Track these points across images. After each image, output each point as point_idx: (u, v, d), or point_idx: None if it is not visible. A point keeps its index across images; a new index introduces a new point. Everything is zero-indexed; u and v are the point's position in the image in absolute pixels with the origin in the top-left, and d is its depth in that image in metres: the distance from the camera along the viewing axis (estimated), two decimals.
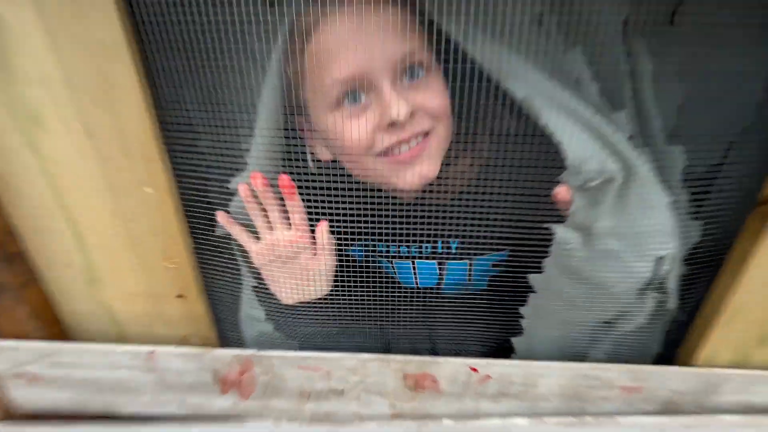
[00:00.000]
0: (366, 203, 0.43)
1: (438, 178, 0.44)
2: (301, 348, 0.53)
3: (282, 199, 0.44)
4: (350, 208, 0.43)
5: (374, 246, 0.50)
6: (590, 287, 0.45)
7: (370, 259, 0.51)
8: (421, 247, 0.50)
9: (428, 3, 0.36)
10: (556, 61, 0.40)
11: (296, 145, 0.44)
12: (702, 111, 0.42)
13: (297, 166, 0.43)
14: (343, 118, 0.40)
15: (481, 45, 0.37)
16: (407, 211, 0.46)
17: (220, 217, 0.46)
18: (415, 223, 0.47)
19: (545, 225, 0.42)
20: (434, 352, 0.55)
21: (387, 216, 0.44)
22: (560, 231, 0.42)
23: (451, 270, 0.51)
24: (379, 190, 0.43)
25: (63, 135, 0.41)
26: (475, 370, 0.49)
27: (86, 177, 0.43)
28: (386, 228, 0.45)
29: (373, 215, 0.45)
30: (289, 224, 0.45)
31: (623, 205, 0.41)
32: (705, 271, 0.49)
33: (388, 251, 0.51)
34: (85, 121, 0.40)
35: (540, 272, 0.45)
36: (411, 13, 0.38)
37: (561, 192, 0.39)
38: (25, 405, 0.53)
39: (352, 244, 0.47)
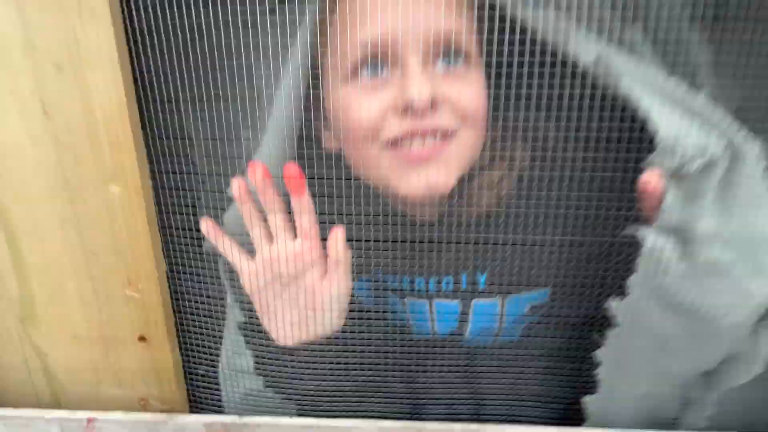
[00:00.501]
0: (374, 222, 0.34)
1: (461, 193, 0.36)
2: (300, 414, 0.39)
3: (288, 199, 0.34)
4: (350, 226, 0.34)
5: (383, 279, 0.40)
6: (692, 321, 0.34)
7: (378, 297, 0.40)
8: (440, 281, 0.40)
9: None
10: (619, 35, 0.34)
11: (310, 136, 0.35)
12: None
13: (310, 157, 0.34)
14: (355, 93, 0.33)
15: (538, 13, 0.31)
16: (424, 233, 0.36)
17: (206, 225, 0.36)
18: (434, 250, 0.37)
19: (627, 229, 0.33)
20: (478, 416, 0.41)
21: (399, 240, 0.35)
22: (649, 236, 0.32)
23: (477, 312, 0.41)
24: (391, 208, 0.34)
25: (14, 113, 0.32)
26: None
27: (36, 171, 0.34)
28: (398, 254, 0.36)
29: (383, 238, 0.35)
30: (295, 232, 0.35)
31: (730, 201, 0.32)
32: None
33: (400, 285, 0.40)
34: (43, 96, 0.32)
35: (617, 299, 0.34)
36: None
37: (651, 180, 0.30)
38: None
39: (356, 278, 0.37)
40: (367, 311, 0.38)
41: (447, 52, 0.33)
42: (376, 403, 0.39)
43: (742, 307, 0.33)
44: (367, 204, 0.34)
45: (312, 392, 0.39)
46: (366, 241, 0.35)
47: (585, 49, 0.32)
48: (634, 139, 0.32)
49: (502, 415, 0.42)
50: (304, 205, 0.34)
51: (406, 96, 0.31)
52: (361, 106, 0.32)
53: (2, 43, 0.31)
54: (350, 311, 0.37)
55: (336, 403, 0.39)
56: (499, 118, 0.35)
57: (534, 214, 0.36)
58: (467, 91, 0.33)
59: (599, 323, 0.37)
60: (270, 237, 0.35)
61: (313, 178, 0.35)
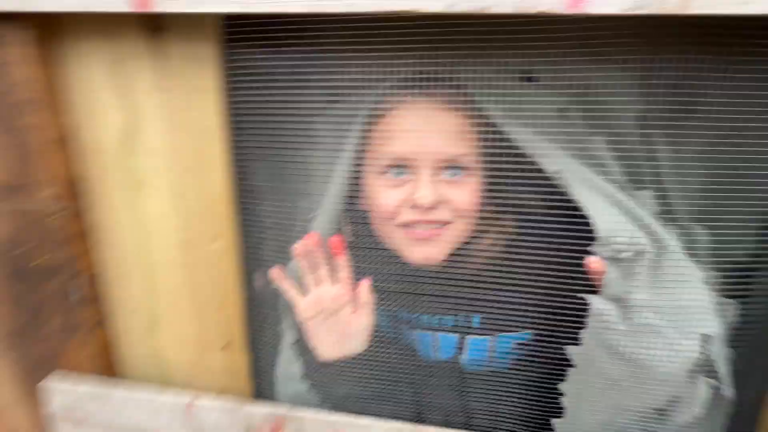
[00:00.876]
0: (389, 272, 0.47)
1: (460, 251, 0.48)
2: (332, 410, 0.53)
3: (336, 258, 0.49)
4: (376, 270, 0.47)
5: (395, 313, 0.52)
6: (635, 367, 0.44)
7: (392, 326, 0.53)
8: (441, 319, 0.52)
9: (480, 100, 0.44)
10: (582, 145, 0.45)
11: (356, 209, 0.50)
12: (728, 194, 0.45)
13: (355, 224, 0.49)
14: (382, 185, 0.46)
15: (519, 131, 0.43)
16: (431, 280, 0.49)
17: (274, 273, 0.51)
18: (437, 295, 0.50)
19: (579, 295, 0.43)
20: (468, 427, 0.53)
21: (411, 282, 0.48)
22: (596, 301, 0.43)
23: (472, 346, 0.52)
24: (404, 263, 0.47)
25: (159, 196, 0.49)
26: None
27: (169, 232, 0.50)
28: (409, 293, 0.49)
29: (397, 280, 0.49)
30: (336, 281, 0.49)
31: (658, 279, 0.42)
32: (763, 356, 0.46)
33: (410, 319, 0.53)
34: (177, 185, 0.48)
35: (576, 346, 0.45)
36: (470, 120, 0.46)
37: (593, 262, 0.41)
38: None
39: (377, 310, 0.50)
40: (384, 338, 0.51)
41: (451, 166, 0.46)
42: (389, 407, 0.53)
43: (673, 359, 0.42)
44: (390, 263, 0.48)
45: (342, 395, 0.53)
46: (387, 279, 0.48)
47: (550, 161, 0.43)
48: (585, 230, 0.43)
49: (488, 427, 0.53)
50: (342, 263, 0.49)
51: (416, 197, 0.45)
52: (385, 197, 0.46)
53: (156, 153, 0.47)
54: (373, 338, 0.51)
55: (359, 405, 0.53)
56: (489, 205, 0.48)
57: (516, 274, 0.48)
58: (462, 195, 0.46)
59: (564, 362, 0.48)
60: (318, 283, 0.50)
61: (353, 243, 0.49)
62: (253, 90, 0.45)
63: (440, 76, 0.44)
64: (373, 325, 0.50)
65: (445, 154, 0.45)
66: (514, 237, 0.49)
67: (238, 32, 0.44)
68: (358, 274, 0.50)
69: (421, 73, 0.44)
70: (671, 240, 0.41)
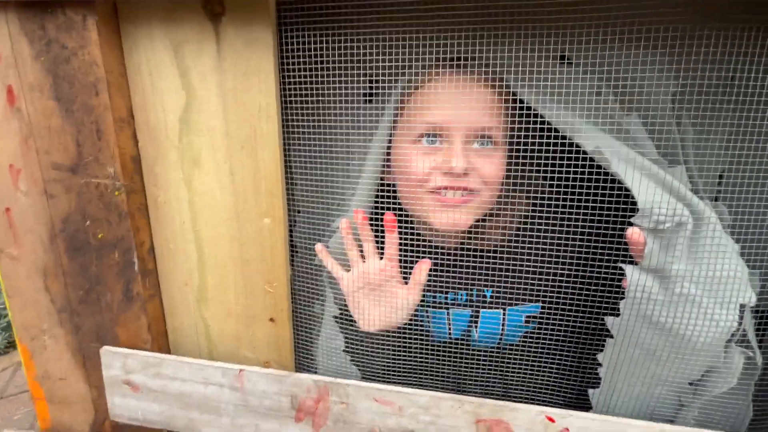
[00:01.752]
0: (407, 249, 0.49)
1: (478, 229, 0.50)
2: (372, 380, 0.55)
3: (377, 233, 0.51)
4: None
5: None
6: (672, 337, 0.45)
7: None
8: (456, 294, 0.54)
9: (515, 82, 0.45)
10: (618, 124, 0.46)
11: (389, 190, 0.52)
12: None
13: (389, 207, 0.51)
14: (417, 151, 0.49)
15: (555, 111, 0.45)
16: (446, 259, 0.51)
17: (318, 248, 0.54)
18: (453, 270, 0.52)
19: (617, 266, 0.45)
20: (507, 395, 0.55)
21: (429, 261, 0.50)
22: (633, 273, 0.44)
23: (484, 319, 0.54)
24: (424, 239, 0.48)
25: (213, 173, 0.52)
26: (552, 420, 0.48)
27: (221, 208, 0.53)
28: (430, 277, 0.50)
29: (414, 261, 0.50)
30: (381, 255, 0.51)
31: (696, 250, 0.43)
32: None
33: (424, 299, 0.55)
34: (231, 163, 0.51)
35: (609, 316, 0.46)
36: (502, 97, 0.48)
37: (633, 234, 0.43)
38: (121, 414, 0.58)
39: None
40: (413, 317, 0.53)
41: (481, 137, 0.48)
42: (427, 379, 0.54)
43: (710, 329, 0.43)
44: (407, 238, 0.50)
45: (382, 367, 0.55)
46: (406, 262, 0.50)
47: (587, 139, 0.45)
48: (627, 203, 0.44)
49: (525, 398, 0.55)
50: (392, 239, 0.51)
51: (450, 164, 0.47)
52: (418, 163, 0.48)
53: (211, 132, 0.50)
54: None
55: (399, 375, 0.55)
56: (510, 180, 0.50)
57: (529, 250, 0.49)
58: (490, 165, 0.48)
59: (597, 332, 0.49)
60: (362, 257, 0.52)
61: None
62: (304, 72, 0.48)
63: (479, 58, 0.45)
64: (416, 304, 0.52)
65: (477, 125, 0.47)
66: (530, 213, 0.51)
67: (293, 17, 0.47)
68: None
69: (459, 53, 0.45)
70: (708, 212, 0.42)
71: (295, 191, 0.54)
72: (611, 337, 0.47)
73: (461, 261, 0.52)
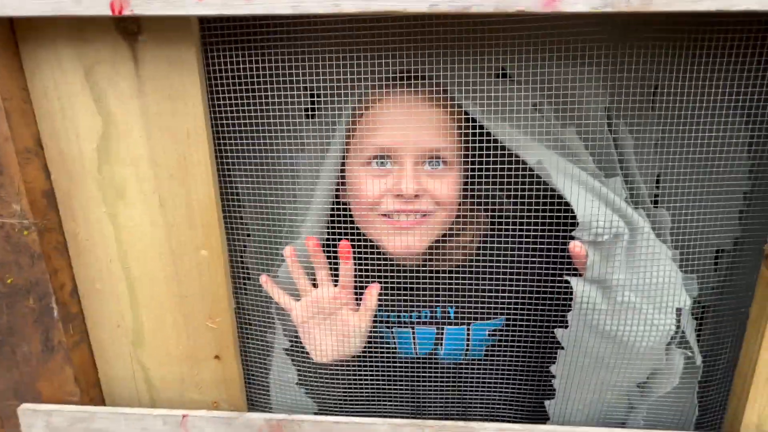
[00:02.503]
0: (369, 270, 0.48)
1: (437, 250, 0.49)
2: (330, 414, 0.52)
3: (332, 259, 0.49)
4: (356, 273, 0.48)
5: (376, 313, 0.53)
6: (617, 344, 0.46)
7: (372, 328, 0.53)
8: (420, 312, 0.53)
9: (461, 97, 0.45)
10: (556, 137, 0.47)
11: (342, 214, 0.50)
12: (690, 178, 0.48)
13: (341, 233, 0.49)
14: (366, 175, 0.47)
15: (499, 125, 0.45)
16: (409, 278, 0.50)
17: (263, 280, 0.50)
18: (416, 289, 0.51)
19: (558, 279, 0.45)
20: (466, 417, 0.54)
21: (390, 282, 0.49)
22: (578, 284, 0.45)
23: (449, 336, 0.54)
24: (385, 258, 0.48)
25: (140, 205, 0.48)
26: None
27: (152, 242, 0.49)
28: (388, 294, 0.49)
29: (376, 281, 0.49)
30: (335, 282, 0.49)
31: (633, 259, 0.44)
32: (727, 328, 0.50)
33: (389, 318, 0.54)
34: (160, 193, 0.47)
35: (556, 329, 0.47)
36: (450, 116, 0.47)
37: (575, 247, 0.43)
38: None
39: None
40: (373, 338, 0.52)
41: (432, 158, 0.47)
42: (387, 406, 0.53)
43: (651, 334, 0.45)
44: (368, 258, 0.48)
45: (339, 398, 0.52)
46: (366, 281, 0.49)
47: (529, 153, 0.45)
48: (568, 217, 0.45)
49: (484, 415, 0.54)
50: (347, 266, 0.49)
51: (399, 187, 0.46)
52: (368, 186, 0.47)
53: (135, 161, 0.46)
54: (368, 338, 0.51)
55: (358, 405, 0.53)
56: (467, 200, 0.49)
57: (490, 268, 0.49)
58: (443, 186, 0.47)
59: (552, 345, 0.49)
60: (312, 286, 0.50)
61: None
62: (236, 93, 0.45)
63: (422, 74, 0.45)
64: (369, 331, 0.50)
65: (427, 146, 0.46)
66: (490, 231, 0.51)
67: (218, 35, 0.43)
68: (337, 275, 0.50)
69: (402, 71, 0.45)
70: (642, 222, 0.44)
71: (244, 215, 0.51)
72: (562, 348, 0.48)
73: (423, 281, 0.51)
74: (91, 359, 0.53)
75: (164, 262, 0.49)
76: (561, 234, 0.45)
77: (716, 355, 0.50)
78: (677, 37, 0.43)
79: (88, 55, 0.43)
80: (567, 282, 0.45)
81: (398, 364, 0.52)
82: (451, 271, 0.51)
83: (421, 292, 0.51)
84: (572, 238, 0.44)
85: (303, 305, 0.49)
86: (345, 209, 0.50)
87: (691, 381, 0.49)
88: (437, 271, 0.52)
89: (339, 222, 0.49)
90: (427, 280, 0.50)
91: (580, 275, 0.45)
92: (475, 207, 0.53)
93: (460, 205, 0.50)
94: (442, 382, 0.54)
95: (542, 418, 0.53)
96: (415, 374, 0.53)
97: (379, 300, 0.49)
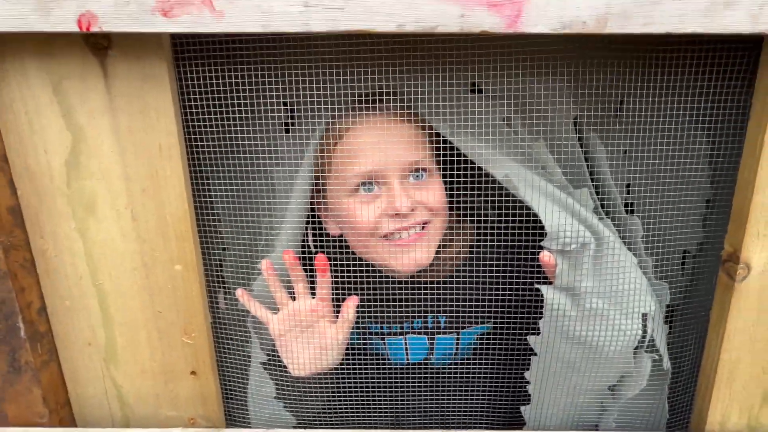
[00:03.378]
0: (360, 283, 0.48)
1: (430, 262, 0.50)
2: (310, 427, 0.52)
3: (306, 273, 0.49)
4: (345, 287, 0.48)
5: (368, 326, 0.54)
6: (587, 349, 0.48)
7: (363, 339, 0.54)
8: (412, 322, 0.54)
9: (429, 114, 0.46)
10: (525, 151, 0.49)
11: (318, 227, 0.50)
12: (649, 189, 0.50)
13: (316, 245, 0.49)
14: (357, 203, 0.48)
15: (468, 141, 0.46)
16: (401, 289, 0.51)
17: (239, 293, 0.50)
18: (408, 300, 0.52)
19: (534, 287, 0.47)
20: (444, 424, 0.55)
21: (381, 295, 0.50)
22: (548, 292, 0.46)
23: (440, 344, 0.55)
24: (375, 270, 0.49)
25: (112, 220, 0.47)
26: None
27: (125, 257, 0.48)
28: (380, 307, 0.50)
29: (368, 295, 0.50)
30: (312, 295, 0.49)
31: (600, 267, 0.46)
32: (692, 330, 0.52)
33: (381, 330, 0.55)
34: (132, 208, 0.47)
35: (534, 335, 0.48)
36: (421, 129, 0.49)
37: (545, 256, 0.45)
38: None
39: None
40: (355, 350, 0.52)
41: (416, 171, 0.48)
42: (366, 417, 0.53)
43: (618, 339, 0.47)
44: (357, 273, 0.49)
45: (318, 410, 0.52)
46: (359, 294, 0.49)
47: (497, 167, 0.47)
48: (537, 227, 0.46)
49: (462, 423, 0.55)
50: (324, 279, 0.49)
51: (394, 206, 0.46)
52: (363, 213, 0.47)
53: (106, 175, 0.46)
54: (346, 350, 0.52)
55: (337, 417, 0.53)
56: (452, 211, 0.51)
57: (477, 278, 0.51)
58: (432, 194, 0.49)
59: (528, 352, 0.51)
60: (290, 298, 0.50)
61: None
62: (209, 109, 0.45)
63: (392, 90, 0.46)
64: (346, 343, 0.51)
65: (408, 161, 0.47)
66: (476, 242, 0.52)
67: (190, 51, 0.44)
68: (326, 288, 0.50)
69: (373, 88, 0.46)
70: (607, 231, 0.45)
71: (222, 229, 0.51)
72: (536, 354, 0.49)
73: (415, 292, 0.52)
74: (60, 378, 0.52)
75: (137, 277, 0.49)
76: (532, 244, 0.47)
77: (682, 357, 0.52)
78: (637, 55, 0.45)
79: (56, 70, 0.43)
80: (538, 290, 0.46)
81: (389, 372, 0.52)
82: (441, 281, 0.52)
83: (412, 303, 0.52)
84: (541, 248, 0.45)
85: (280, 318, 0.49)
86: (320, 223, 0.50)
87: (660, 384, 0.51)
88: (428, 282, 0.52)
89: (315, 235, 0.49)
90: (419, 291, 0.51)
91: (551, 283, 0.47)
92: (461, 218, 0.54)
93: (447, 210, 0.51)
94: (429, 386, 0.55)
95: (519, 424, 0.54)
96: (406, 380, 0.53)
97: (371, 312, 0.50)
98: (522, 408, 0.53)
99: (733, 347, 0.47)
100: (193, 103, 0.45)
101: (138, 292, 0.49)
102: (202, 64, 0.44)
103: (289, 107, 0.50)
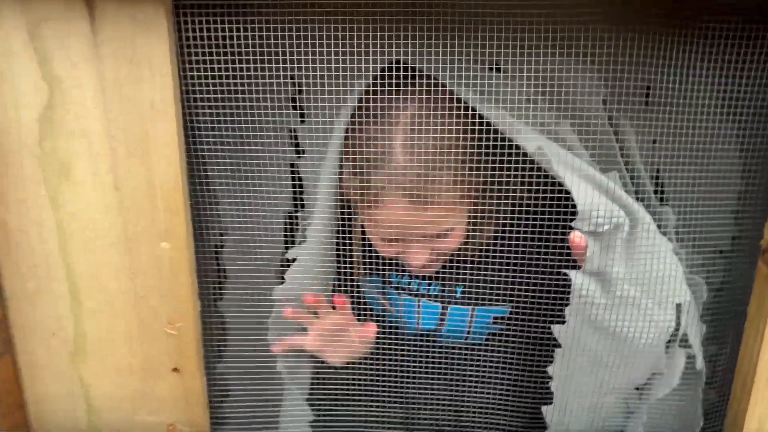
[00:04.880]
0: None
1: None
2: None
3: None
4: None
5: (389, 276, 0.53)
6: (616, 341, 0.44)
7: (383, 293, 0.53)
8: (430, 284, 0.53)
9: (457, 85, 0.42)
10: (551, 130, 0.46)
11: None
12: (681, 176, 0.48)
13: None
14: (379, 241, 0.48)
15: (497, 112, 0.42)
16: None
17: (276, 348, 0.49)
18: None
19: (561, 271, 0.43)
20: (459, 426, 0.50)
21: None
22: (577, 277, 0.42)
23: (452, 315, 0.53)
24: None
25: (90, 187, 0.41)
26: None
27: (103, 231, 0.42)
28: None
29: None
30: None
31: (633, 251, 0.43)
32: (727, 328, 0.49)
33: (400, 281, 0.53)
34: (115, 174, 0.41)
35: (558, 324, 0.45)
36: (458, 185, 0.45)
37: (576, 237, 0.41)
38: None
39: (372, 274, 0.51)
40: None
41: (437, 235, 0.46)
42: (377, 407, 0.50)
43: (651, 330, 0.43)
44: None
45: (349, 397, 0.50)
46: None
47: (528, 140, 0.43)
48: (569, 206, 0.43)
49: (478, 425, 0.50)
50: (346, 309, 0.49)
51: (408, 261, 0.47)
52: (380, 247, 0.48)
53: (86, 134, 0.40)
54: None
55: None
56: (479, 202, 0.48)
57: (500, 255, 0.47)
58: (450, 243, 0.47)
59: (551, 344, 0.47)
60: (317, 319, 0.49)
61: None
62: (212, 65, 0.40)
63: (416, 65, 0.42)
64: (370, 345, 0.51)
65: (435, 231, 0.46)
66: (504, 225, 0.49)
67: None
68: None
69: (395, 62, 0.42)
70: (644, 214, 0.42)
71: (220, 210, 0.46)
72: (560, 347, 0.45)
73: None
74: (14, 375, 0.44)
75: (117, 255, 0.42)
76: (561, 225, 0.43)
77: (715, 358, 0.49)
78: (670, 30, 0.43)
79: (34, 9, 0.37)
80: (566, 275, 0.43)
81: (402, 338, 0.51)
82: (461, 258, 0.50)
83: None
84: (571, 228, 0.42)
85: (313, 338, 0.49)
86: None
87: (694, 388, 0.48)
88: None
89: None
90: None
91: (580, 267, 0.43)
92: (491, 204, 0.50)
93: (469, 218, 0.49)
94: (441, 370, 0.53)
95: (540, 428, 0.49)
96: (416, 352, 0.52)
97: (387, 264, 0.50)
98: (543, 408, 0.48)
99: None
100: (194, 58, 0.40)
101: (116, 272, 0.43)
102: (206, 14, 0.39)
103: (298, 82, 0.45)
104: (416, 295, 0.53)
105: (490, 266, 0.47)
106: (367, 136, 0.43)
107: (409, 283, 0.53)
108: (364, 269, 0.50)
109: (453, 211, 0.45)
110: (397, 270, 0.52)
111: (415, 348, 0.52)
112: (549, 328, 0.45)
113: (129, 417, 0.46)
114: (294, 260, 0.47)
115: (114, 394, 0.46)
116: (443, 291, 0.53)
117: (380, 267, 0.50)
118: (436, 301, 0.53)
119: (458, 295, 0.52)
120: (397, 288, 0.54)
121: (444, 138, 0.43)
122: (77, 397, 0.45)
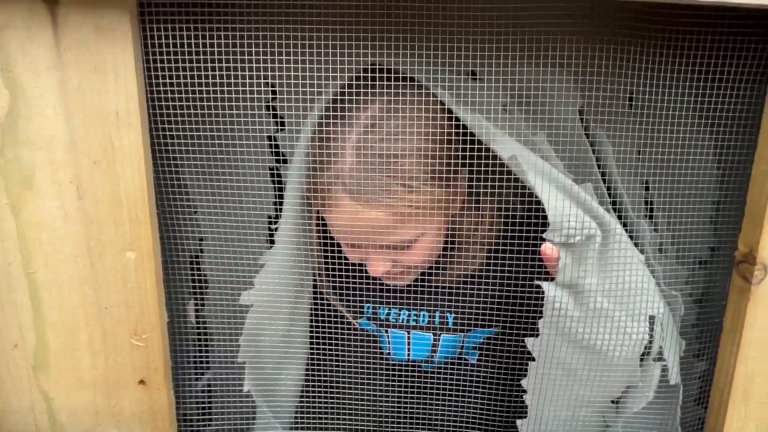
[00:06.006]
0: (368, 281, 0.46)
1: (438, 267, 0.48)
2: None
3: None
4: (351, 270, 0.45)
5: (375, 311, 0.51)
6: (590, 354, 0.43)
7: (371, 328, 0.51)
8: (419, 316, 0.51)
9: (433, 88, 0.42)
10: (527, 141, 0.45)
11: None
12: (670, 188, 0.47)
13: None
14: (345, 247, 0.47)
15: (473, 117, 0.42)
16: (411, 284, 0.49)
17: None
18: (417, 293, 0.50)
19: (535, 284, 0.43)
20: None
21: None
22: (550, 288, 0.42)
23: (444, 343, 0.52)
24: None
25: (52, 197, 0.40)
26: None
27: (65, 242, 0.41)
28: (389, 291, 0.48)
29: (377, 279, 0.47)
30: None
31: (605, 262, 0.42)
32: (703, 341, 0.48)
33: (388, 317, 0.51)
34: (78, 184, 0.40)
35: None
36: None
37: (547, 249, 0.41)
38: None
39: (361, 310, 0.49)
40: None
41: (395, 246, 0.45)
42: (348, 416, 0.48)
43: (624, 343, 0.42)
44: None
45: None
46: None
47: (503, 146, 0.43)
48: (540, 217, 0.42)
49: None
50: None
51: (369, 268, 0.45)
52: (345, 252, 0.46)
53: (48, 143, 0.39)
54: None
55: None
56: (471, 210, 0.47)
57: (487, 280, 0.47)
58: (414, 255, 0.45)
59: (526, 356, 0.46)
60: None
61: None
62: (178, 72, 0.40)
63: (392, 67, 0.42)
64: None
65: (394, 240, 0.44)
66: (496, 245, 0.49)
67: (159, 5, 0.38)
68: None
69: (372, 63, 0.41)
70: (616, 226, 0.42)
71: (198, 218, 0.45)
72: (533, 360, 0.44)
73: (425, 288, 0.50)
74: None
75: (80, 265, 0.41)
76: (533, 236, 0.42)
77: (692, 371, 0.48)
78: (647, 41, 0.43)
79: None
80: (539, 287, 0.42)
81: (387, 368, 0.50)
82: (455, 283, 0.50)
83: (420, 295, 0.50)
84: (542, 240, 0.41)
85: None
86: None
87: (670, 400, 0.47)
88: (439, 284, 0.50)
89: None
90: (429, 288, 0.49)
91: (553, 279, 0.42)
92: (479, 219, 0.49)
93: (448, 230, 0.47)
94: (416, 386, 0.52)
95: None
96: (404, 379, 0.51)
97: (375, 296, 0.49)
98: (518, 422, 0.47)
99: (750, 358, 0.43)
100: (160, 65, 0.39)
101: (79, 284, 0.42)
102: (172, 21, 0.39)
103: (274, 84, 0.45)
104: (405, 328, 0.52)
105: (482, 291, 0.47)
106: (320, 136, 0.42)
107: (398, 316, 0.52)
108: (324, 275, 0.49)
109: (411, 222, 0.43)
110: (382, 298, 0.50)
111: (400, 374, 0.51)
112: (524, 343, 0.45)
113: (93, 431, 0.45)
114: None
115: (78, 408, 0.44)
116: (433, 320, 0.51)
117: (341, 275, 0.48)
118: (426, 330, 0.51)
119: (450, 323, 0.51)
120: (384, 324, 0.52)
121: (403, 143, 0.41)
122: (40, 410, 0.44)
